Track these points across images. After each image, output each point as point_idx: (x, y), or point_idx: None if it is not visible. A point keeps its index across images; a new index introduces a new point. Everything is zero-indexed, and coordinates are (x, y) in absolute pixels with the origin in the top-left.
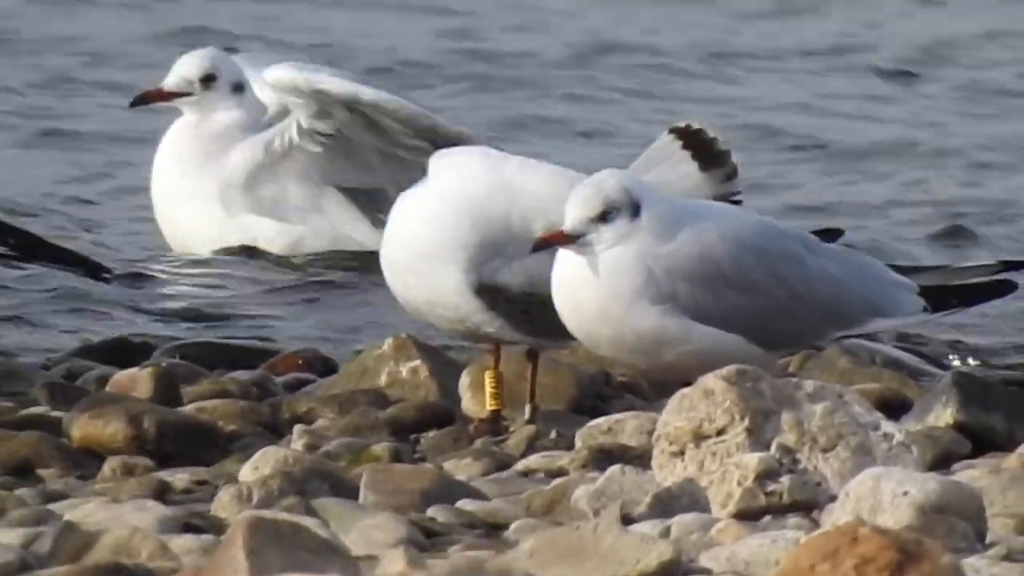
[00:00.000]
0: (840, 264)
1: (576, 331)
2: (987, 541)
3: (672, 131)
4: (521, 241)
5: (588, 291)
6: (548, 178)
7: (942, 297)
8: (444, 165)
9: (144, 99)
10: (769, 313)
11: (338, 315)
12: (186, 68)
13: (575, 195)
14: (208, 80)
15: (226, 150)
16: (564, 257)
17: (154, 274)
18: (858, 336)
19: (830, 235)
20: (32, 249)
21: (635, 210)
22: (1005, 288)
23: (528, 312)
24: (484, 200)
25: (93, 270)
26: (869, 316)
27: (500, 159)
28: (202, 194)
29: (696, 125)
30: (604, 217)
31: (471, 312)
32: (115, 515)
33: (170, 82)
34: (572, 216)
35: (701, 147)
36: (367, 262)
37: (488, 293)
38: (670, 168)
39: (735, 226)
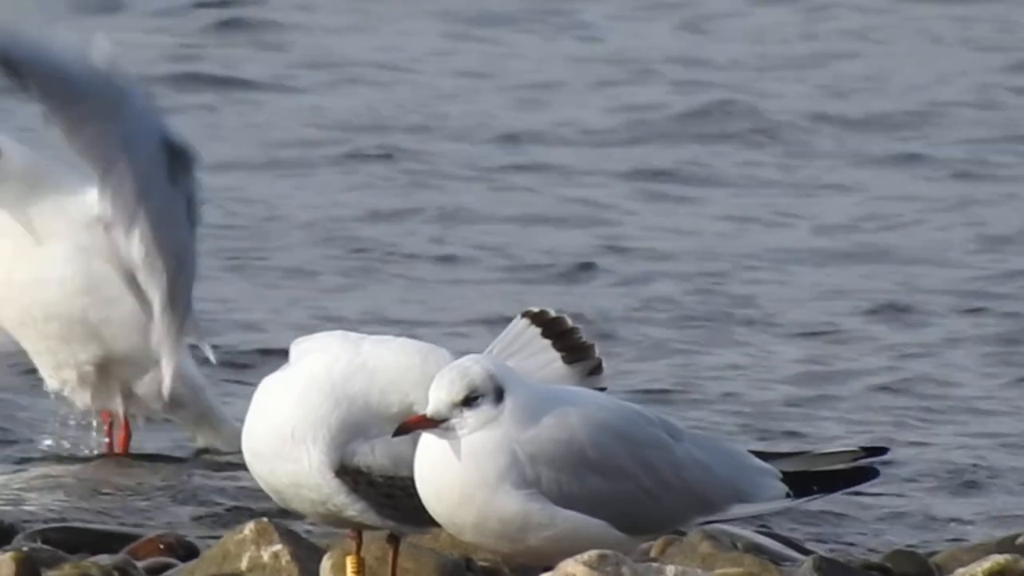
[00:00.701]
0: (704, 450)
1: (439, 516)
2: None
3: (527, 316)
4: (383, 421)
5: (451, 476)
6: (405, 354)
7: (804, 483)
8: (304, 350)
9: None
10: (633, 498)
11: (201, 498)
12: None
13: (439, 379)
14: None
15: None
16: (427, 441)
17: (20, 452)
18: (720, 522)
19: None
20: None
21: (499, 395)
22: (866, 475)
23: (391, 496)
24: (343, 381)
25: None
26: (733, 502)
27: (357, 340)
28: None
29: (553, 313)
30: (468, 402)
31: (333, 494)
32: None
33: None
34: (436, 400)
35: (561, 337)
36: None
37: (350, 475)
38: (532, 356)
39: (599, 412)
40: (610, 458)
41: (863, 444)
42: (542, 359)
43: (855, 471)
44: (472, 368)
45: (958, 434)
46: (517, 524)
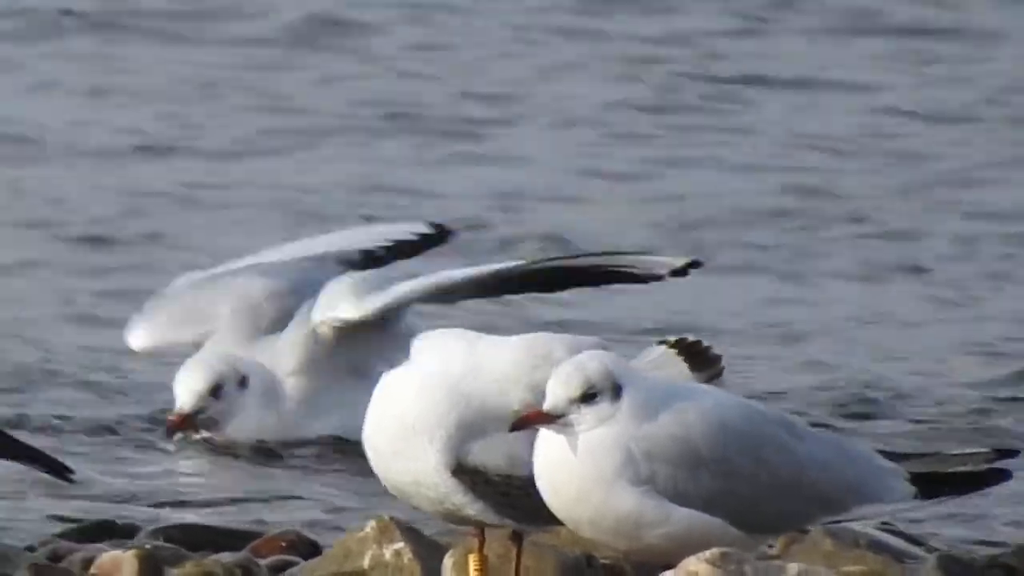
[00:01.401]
0: (826, 449)
1: (557, 511)
2: None
3: (664, 343)
4: (500, 421)
5: (568, 472)
6: (521, 353)
7: (934, 485)
8: (423, 347)
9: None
10: (751, 497)
11: (323, 496)
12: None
13: (557, 375)
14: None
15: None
16: (545, 437)
17: (142, 452)
18: (843, 521)
19: None
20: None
21: (617, 392)
22: (998, 478)
23: (507, 495)
24: (460, 380)
25: (58, 470)
26: (856, 502)
27: (475, 339)
28: None
29: (692, 338)
30: (585, 398)
31: (450, 493)
32: None
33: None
34: (553, 395)
35: (696, 355)
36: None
37: (467, 474)
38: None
39: (717, 409)
40: (727, 457)
41: (995, 446)
42: (672, 372)
43: (986, 473)
44: (590, 364)
45: None
46: (632, 521)
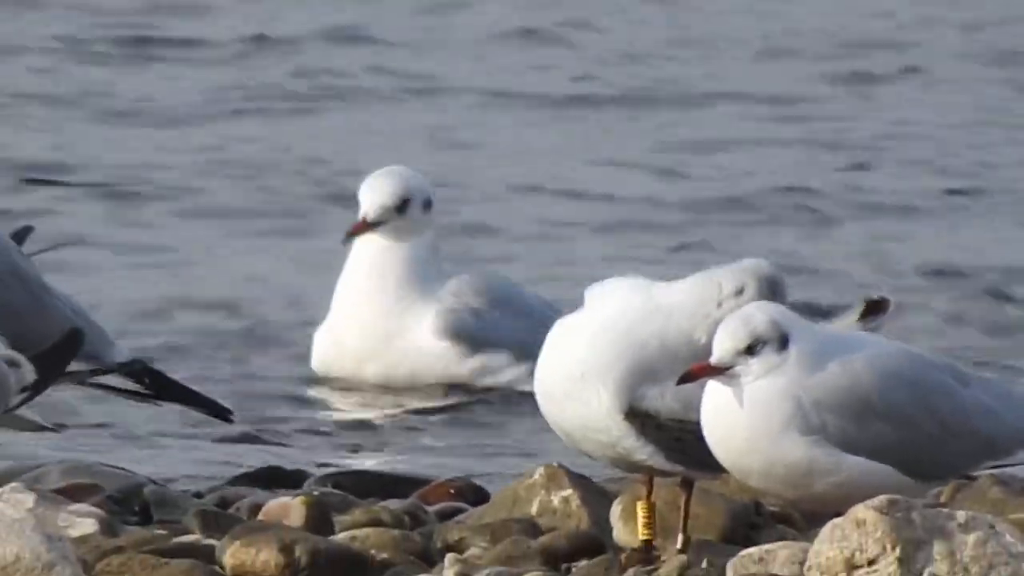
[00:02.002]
0: (992, 395)
1: (726, 462)
2: None
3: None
4: (675, 364)
5: (736, 423)
6: (699, 290)
7: None
8: (597, 294)
9: (353, 233)
10: (920, 444)
11: (490, 443)
12: (381, 196)
13: (724, 326)
14: (403, 206)
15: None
16: (713, 388)
17: (309, 400)
18: (1011, 466)
19: None
20: (164, 389)
21: (783, 342)
22: None
23: (680, 440)
24: (636, 324)
25: (219, 412)
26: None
27: (650, 285)
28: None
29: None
30: (752, 349)
31: (622, 437)
32: None
33: (370, 212)
34: (720, 348)
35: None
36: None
37: (639, 418)
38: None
39: (884, 357)
40: (896, 404)
41: None
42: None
43: None
44: (756, 315)
45: None
46: (802, 470)
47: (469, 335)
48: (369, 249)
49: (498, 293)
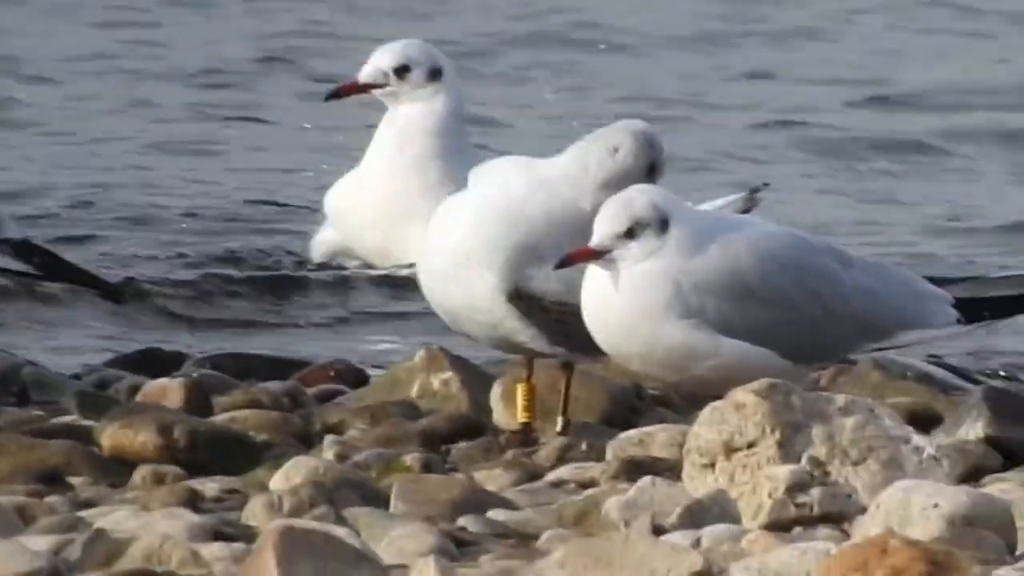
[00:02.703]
0: (873, 277)
1: (606, 346)
2: (1017, 553)
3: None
4: (562, 240)
5: (616, 307)
6: (583, 151)
7: (976, 309)
8: (482, 173)
9: (339, 93)
10: (799, 327)
11: (371, 327)
12: (380, 59)
13: (603, 210)
14: (402, 71)
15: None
16: (593, 273)
17: (188, 284)
18: (891, 349)
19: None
20: (53, 269)
21: (663, 225)
22: None
23: (563, 322)
24: (520, 201)
25: (110, 293)
26: (903, 329)
27: (534, 161)
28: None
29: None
30: (632, 233)
31: (505, 318)
32: (145, 523)
33: (364, 74)
34: (600, 232)
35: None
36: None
37: (523, 300)
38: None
39: (765, 240)
40: (775, 287)
41: None
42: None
43: None
44: (636, 198)
45: None
46: (682, 353)
47: None
48: (390, 119)
49: None
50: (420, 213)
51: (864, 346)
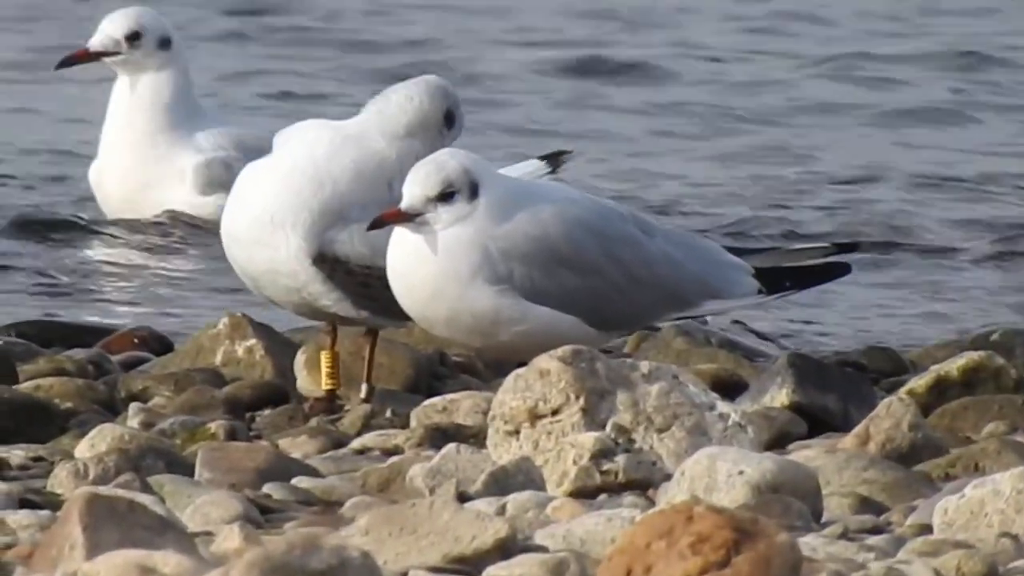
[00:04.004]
0: (677, 246)
1: (411, 311)
2: (823, 520)
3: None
4: (367, 203)
5: (424, 271)
6: (381, 104)
7: (776, 279)
8: (286, 137)
9: (70, 60)
10: (605, 294)
11: (175, 293)
12: (110, 26)
13: (414, 173)
14: (133, 38)
15: (165, 119)
16: (400, 236)
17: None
18: (694, 318)
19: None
20: None
21: (474, 190)
22: (838, 271)
23: (367, 286)
24: (325, 161)
25: None
26: (706, 298)
27: (338, 123)
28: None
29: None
30: (443, 197)
31: (309, 282)
32: None
33: (95, 41)
34: (410, 194)
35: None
36: (204, 240)
37: (327, 263)
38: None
39: (572, 207)
40: (581, 253)
41: (835, 241)
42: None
43: (827, 267)
44: (448, 163)
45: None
46: (489, 319)
47: (224, 186)
48: (121, 88)
49: (252, 144)
50: (159, 183)
51: (668, 314)
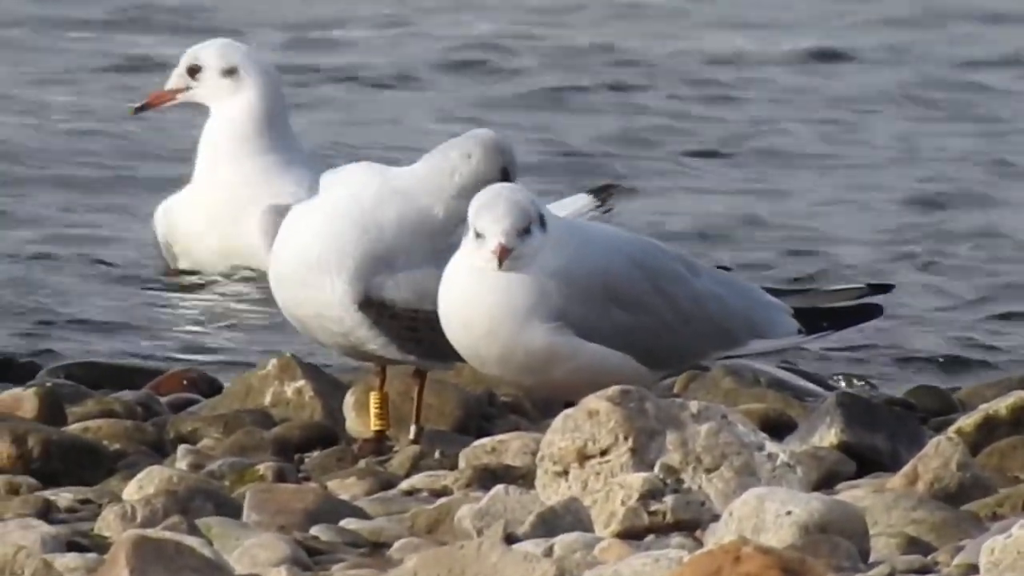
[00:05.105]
0: (721, 285)
1: (464, 348)
2: (871, 560)
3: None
4: (414, 248)
5: (480, 307)
6: (438, 159)
7: (813, 320)
8: (333, 180)
9: (148, 105)
10: (655, 332)
11: (225, 335)
12: (178, 66)
13: (493, 209)
14: (194, 71)
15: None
16: (455, 272)
17: (42, 289)
18: (738, 357)
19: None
20: None
21: (543, 223)
22: (873, 312)
23: (414, 329)
24: (372, 208)
25: None
26: (750, 336)
27: (385, 169)
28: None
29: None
30: (526, 231)
31: (355, 327)
32: None
33: (169, 83)
34: (503, 230)
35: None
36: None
37: (373, 308)
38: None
39: (624, 245)
40: (635, 291)
41: (869, 281)
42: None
43: (861, 308)
44: (523, 197)
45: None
46: (543, 357)
47: None
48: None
49: None
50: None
51: (715, 352)
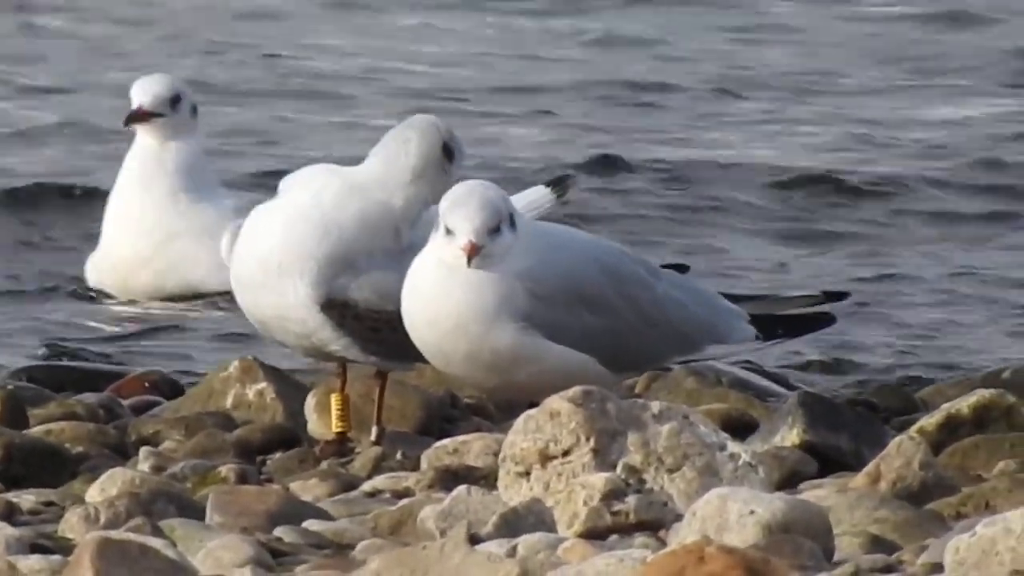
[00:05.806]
0: (680, 290)
1: (427, 346)
2: (834, 559)
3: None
4: (374, 252)
5: (447, 304)
6: (386, 148)
7: (769, 326)
8: (292, 182)
9: (135, 118)
10: (620, 335)
11: (184, 338)
12: (158, 87)
13: (464, 207)
14: (175, 101)
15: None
16: (421, 270)
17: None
18: (696, 361)
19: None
20: None
21: (512, 222)
22: (826, 321)
23: (376, 331)
24: (333, 209)
25: None
26: (709, 341)
27: (344, 170)
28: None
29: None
30: (496, 229)
31: (318, 328)
32: None
33: (147, 102)
34: (473, 229)
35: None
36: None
37: (336, 309)
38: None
39: (590, 248)
40: (600, 295)
41: (824, 288)
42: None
43: (815, 316)
44: (491, 194)
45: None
46: (508, 357)
47: None
48: (139, 156)
49: None
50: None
51: (675, 356)
